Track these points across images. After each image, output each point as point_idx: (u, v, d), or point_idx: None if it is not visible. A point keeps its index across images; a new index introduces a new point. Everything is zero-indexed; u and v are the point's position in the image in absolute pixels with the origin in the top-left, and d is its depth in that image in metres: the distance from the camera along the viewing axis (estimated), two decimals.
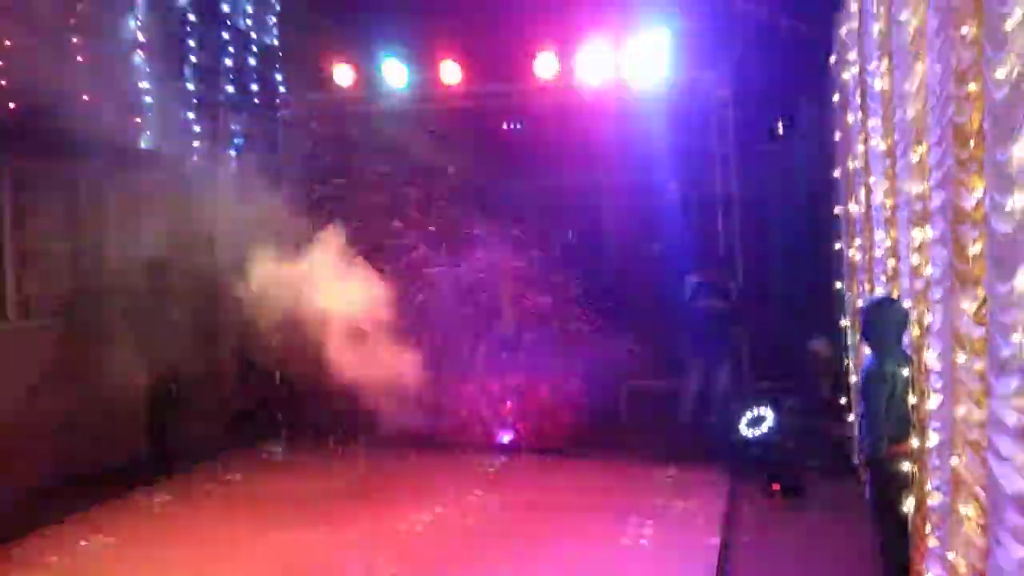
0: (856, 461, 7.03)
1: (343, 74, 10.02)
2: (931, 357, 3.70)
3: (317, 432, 9.10)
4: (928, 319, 3.78)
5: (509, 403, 9.20)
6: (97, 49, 8.10)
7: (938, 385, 3.58)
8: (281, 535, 6.50)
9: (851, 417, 7.31)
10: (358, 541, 6.45)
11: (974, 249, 2.93)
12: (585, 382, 9.26)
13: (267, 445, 9.17)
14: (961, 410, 3.13)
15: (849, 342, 7.56)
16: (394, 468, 8.31)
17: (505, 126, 11.24)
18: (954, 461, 3.26)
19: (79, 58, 7.94)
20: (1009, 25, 2.53)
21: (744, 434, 7.81)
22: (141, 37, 8.76)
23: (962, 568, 3.20)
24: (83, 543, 6.43)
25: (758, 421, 7.75)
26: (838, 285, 8.28)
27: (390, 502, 7.35)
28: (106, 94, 8.08)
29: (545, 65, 9.49)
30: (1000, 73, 2.58)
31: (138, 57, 8.71)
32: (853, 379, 7.06)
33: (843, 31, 7.23)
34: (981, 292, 2.86)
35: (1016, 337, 2.49)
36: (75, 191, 8.36)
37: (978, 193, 2.89)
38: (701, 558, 5.92)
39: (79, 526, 6.78)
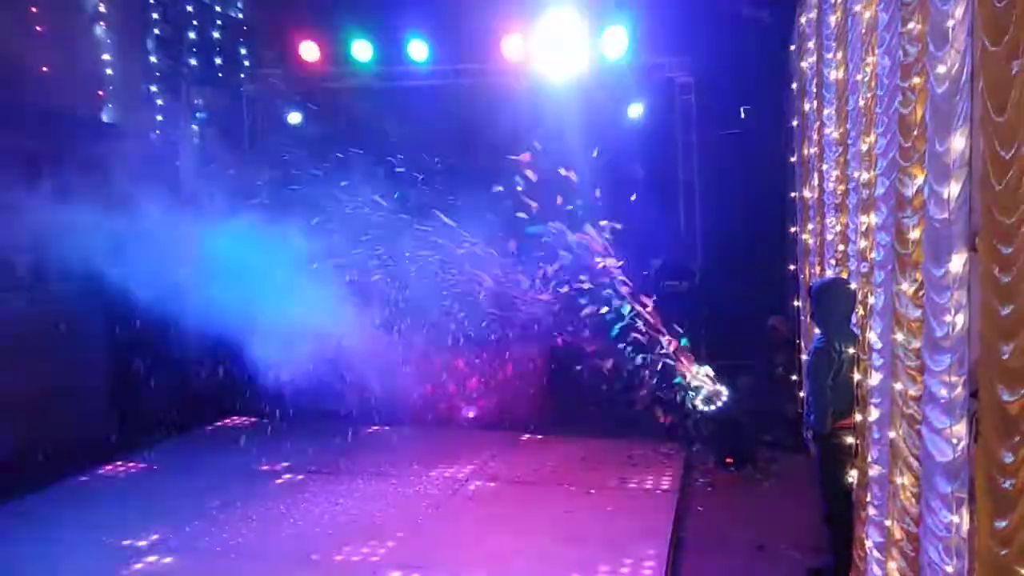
0: (806, 435, 7.31)
1: (309, 50, 9.95)
2: (873, 336, 3.91)
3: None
4: (872, 300, 3.98)
5: (473, 380, 9.32)
6: (58, 20, 7.95)
7: (879, 363, 3.78)
8: None
9: (802, 393, 7.58)
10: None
11: (913, 235, 3.10)
12: (547, 361, 9.40)
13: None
14: (899, 385, 3.33)
15: (801, 322, 7.82)
16: (359, 444, 8.39)
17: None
18: (891, 434, 3.46)
19: (38, 28, 7.80)
20: (950, 23, 2.69)
21: (700, 409, 8.04)
22: (103, 8, 8.60)
23: (897, 533, 3.42)
24: None
25: (713, 397, 7.97)
26: (792, 267, 8.53)
27: (351, 475, 7.47)
28: (67, 66, 7.95)
29: (512, 47, 9.54)
30: (941, 68, 2.74)
31: (99, 29, 8.56)
32: (804, 357, 7.32)
33: (803, 20, 7.40)
34: (919, 275, 3.04)
35: (948, 317, 2.67)
36: (34, 163, 8.20)
37: (919, 181, 3.06)
38: (658, 525, 6.14)
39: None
